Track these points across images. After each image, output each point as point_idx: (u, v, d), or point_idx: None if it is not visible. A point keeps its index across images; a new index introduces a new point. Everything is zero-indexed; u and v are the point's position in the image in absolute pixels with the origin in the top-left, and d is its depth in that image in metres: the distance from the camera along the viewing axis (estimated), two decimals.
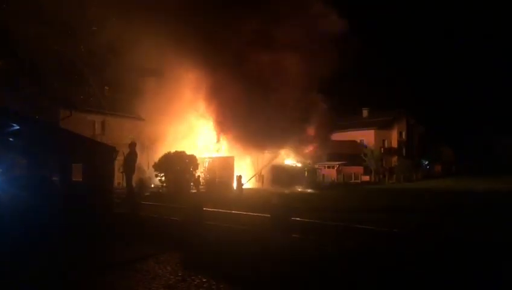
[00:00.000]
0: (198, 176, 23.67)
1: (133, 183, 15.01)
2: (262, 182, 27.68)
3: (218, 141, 27.77)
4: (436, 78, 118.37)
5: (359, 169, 45.30)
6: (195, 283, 5.98)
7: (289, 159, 30.82)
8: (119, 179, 21.30)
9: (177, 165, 22.08)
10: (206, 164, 25.38)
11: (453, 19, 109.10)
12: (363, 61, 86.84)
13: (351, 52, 25.73)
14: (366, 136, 53.76)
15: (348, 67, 33.67)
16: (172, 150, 22.87)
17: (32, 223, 9.00)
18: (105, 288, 5.75)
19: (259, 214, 9.38)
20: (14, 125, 10.41)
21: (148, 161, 23.03)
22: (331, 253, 6.58)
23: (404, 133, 57.56)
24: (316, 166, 36.42)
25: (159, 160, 22.35)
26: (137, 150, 15.40)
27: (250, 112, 23.85)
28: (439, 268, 6.03)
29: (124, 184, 16.83)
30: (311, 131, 28.57)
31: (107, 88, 29.97)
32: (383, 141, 55.23)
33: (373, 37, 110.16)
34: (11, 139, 11.48)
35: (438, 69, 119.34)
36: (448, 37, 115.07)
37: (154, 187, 22.75)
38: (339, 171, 43.13)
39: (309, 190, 26.85)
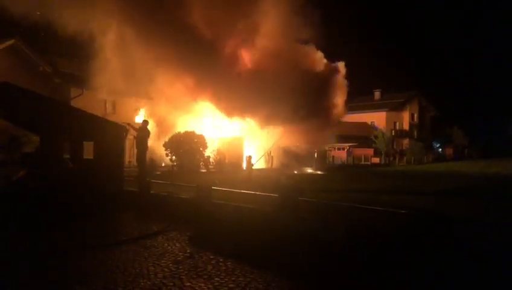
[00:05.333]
0: (208, 156, 23.82)
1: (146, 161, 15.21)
2: (272, 163, 27.73)
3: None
4: (449, 60, 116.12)
5: (369, 151, 45.06)
6: (203, 259, 6.12)
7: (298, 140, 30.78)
8: (130, 157, 21.52)
9: (187, 145, 22.24)
10: (216, 144, 25.49)
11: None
12: (375, 43, 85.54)
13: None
14: (378, 118, 53.31)
15: (361, 48, 33.54)
16: (182, 130, 23.02)
17: (44, 200, 9.20)
18: (115, 264, 5.91)
19: (267, 194, 9.45)
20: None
21: (158, 140, 23.18)
22: (337, 232, 6.65)
23: (416, 116, 56.94)
24: (326, 147, 36.32)
25: (169, 139, 22.52)
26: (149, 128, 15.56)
27: (260, 93, 23.72)
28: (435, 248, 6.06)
29: (135, 163, 17.06)
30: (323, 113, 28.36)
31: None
32: (395, 123, 54.74)
33: (386, 18, 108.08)
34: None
35: (451, 51, 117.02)
36: (462, 19, 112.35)
37: (164, 166, 22.98)
38: (349, 153, 43.00)
39: (318, 172, 26.87)
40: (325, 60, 29.78)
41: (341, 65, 30.90)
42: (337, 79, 29.83)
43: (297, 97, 24.14)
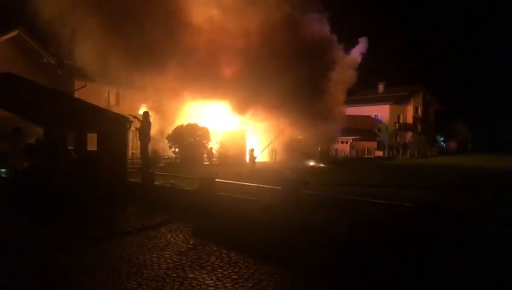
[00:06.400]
0: (211, 148, 23.83)
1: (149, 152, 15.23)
2: (275, 156, 27.73)
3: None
4: (454, 54, 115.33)
5: (373, 144, 44.93)
6: (206, 250, 6.14)
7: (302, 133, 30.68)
8: (133, 149, 21.56)
9: (190, 137, 22.25)
10: (219, 137, 25.47)
11: None
12: (379, 36, 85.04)
13: None
14: (381, 111, 53.07)
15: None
16: (185, 123, 23.00)
17: (47, 192, 9.24)
18: (119, 255, 5.94)
19: (270, 186, 9.45)
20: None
21: (162, 132, 23.19)
22: (339, 225, 6.64)
23: (419, 109, 56.68)
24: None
25: (172, 132, 22.53)
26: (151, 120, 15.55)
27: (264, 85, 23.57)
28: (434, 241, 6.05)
29: (138, 154, 17.10)
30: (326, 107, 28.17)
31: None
32: (398, 116, 54.50)
33: (390, 11, 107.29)
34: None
35: (457, 45, 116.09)
36: (467, 13, 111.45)
37: (168, 158, 23.01)
38: (352, 146, 42.91)
39: (321, 165, 26.84)
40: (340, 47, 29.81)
41: (362, 42, 31.06)
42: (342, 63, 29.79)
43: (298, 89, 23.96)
